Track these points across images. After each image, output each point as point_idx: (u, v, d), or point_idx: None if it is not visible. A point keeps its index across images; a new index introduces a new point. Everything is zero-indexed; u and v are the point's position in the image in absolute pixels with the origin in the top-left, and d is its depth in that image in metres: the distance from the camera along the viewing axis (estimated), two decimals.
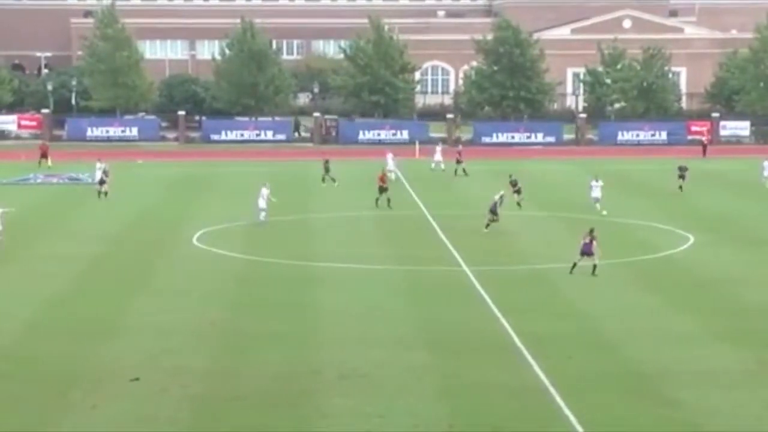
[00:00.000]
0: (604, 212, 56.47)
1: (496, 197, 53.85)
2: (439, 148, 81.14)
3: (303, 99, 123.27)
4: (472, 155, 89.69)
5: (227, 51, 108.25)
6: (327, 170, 71.73)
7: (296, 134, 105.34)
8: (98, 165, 66.96)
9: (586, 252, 42.24)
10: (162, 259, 47.05)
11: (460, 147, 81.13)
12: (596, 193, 58.18)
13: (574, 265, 42.45)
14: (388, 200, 59.58)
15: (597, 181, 58.57)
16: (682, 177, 67.30)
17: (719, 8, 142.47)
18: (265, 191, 55.45)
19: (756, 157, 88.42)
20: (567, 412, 27.10)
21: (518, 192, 60.11)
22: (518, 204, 59.52)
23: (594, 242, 42.18)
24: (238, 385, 29.46)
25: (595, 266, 42.15)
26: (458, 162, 76.67)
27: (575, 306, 38.30)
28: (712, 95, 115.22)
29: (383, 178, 61.15)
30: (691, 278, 42.97)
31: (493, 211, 52.90)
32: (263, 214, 54.97)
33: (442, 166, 78.43)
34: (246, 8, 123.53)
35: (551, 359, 31.45)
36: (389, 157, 74.49)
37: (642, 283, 41.93)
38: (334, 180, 70.75)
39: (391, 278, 43.08)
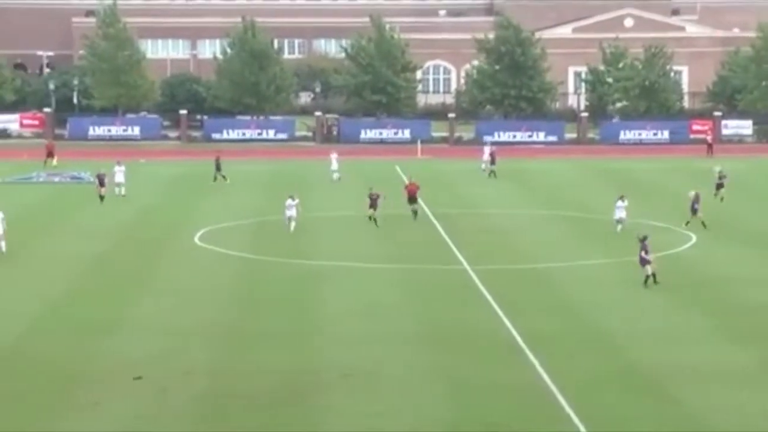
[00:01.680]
0: (619, 227, 51.94)
1: (691, 195, 53.89)
2: (487, 149, 79.70)
3: (305, 98, 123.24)
4: (476, 155, 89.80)
5: (229, 50, 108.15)
6: (218, 168, 71.88)
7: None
8: (117, 168, 66.40)
9: (645, 261, 40.97)
10: (164, 258, 47.07)
11: (494, 148, 79.38)
12: (621, 213, 52.26)
13: (647, 278, 40.81)
14: (415, 213, 56.18)
15: (623, 201, 52.77)
16: (720, 185, 61.75)
17: (721, 7, 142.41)
18: (291, 202, 52.89)
19: (759, 156, 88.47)
20: (570, 411, 27.10)
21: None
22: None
23: (644, 251, 40.87)
24: (241, 384, 29.47)
25: (653, 275, 40.74)
26: (491, 163, 75.95)
27: (578, 305, 38.28)
28: (714, 94, 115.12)
29: (411, 189, 57.25)
30: (693, 277, 42.94)
31: (693, 210, 53.35)
32: (292, 224, 52.41)
33: (483, 166, 77.65)
34: (247, 7, 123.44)
35: (554, 358, 31.45)
36: (333, 157, 73.89)
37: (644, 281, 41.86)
38: (225, 178, 70.82)
39: (392, 277, 43.09)
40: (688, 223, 53.06)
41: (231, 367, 31.09)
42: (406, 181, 59.66)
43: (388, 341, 33.52)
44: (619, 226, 51.62)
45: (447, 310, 37.62)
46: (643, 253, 40.97)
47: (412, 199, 56.83)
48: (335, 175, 72.70)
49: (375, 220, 54.30)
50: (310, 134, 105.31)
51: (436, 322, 35.98)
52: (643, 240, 41.40)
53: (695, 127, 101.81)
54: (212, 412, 27.43)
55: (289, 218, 52.74)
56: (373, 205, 54.84)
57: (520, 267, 44.93)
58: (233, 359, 31.87)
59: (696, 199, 53.44)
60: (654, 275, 40.79)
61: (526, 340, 33.28)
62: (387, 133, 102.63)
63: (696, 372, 30.30)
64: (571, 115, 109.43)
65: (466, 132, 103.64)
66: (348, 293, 40.27)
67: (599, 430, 25.87)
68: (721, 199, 60.75)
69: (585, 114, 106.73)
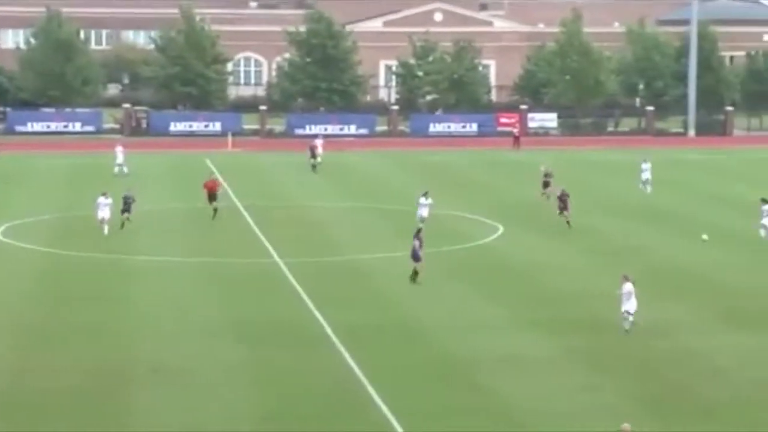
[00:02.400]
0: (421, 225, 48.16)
1: (557, 191, 52.98)
2: (319, 142, 78.89)
3: (113, 90, 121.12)
4: (286, 147, 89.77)
5: (32, 40, 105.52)
6: None
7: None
8: None
9: (415, 257, 40.32)
10: None
11: (315, 142, 77.71)
12: (424, 211, 50.32)
13: (415, 273, 40.03)
14: (215, 211, 53.58)
15: (426, 198, 50.83)
16: (546, 184, 59.83)
17: (527, 3, 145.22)
18: (103, 200, 49.59)
19: (562, 149, 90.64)
20: (380, 401, 27.23)
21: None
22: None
23: (419, 244, 40.14)
24: (46, 381, 28.72)
25: (417, 273, 40.11)
26: (313, 156, 74.92)
27: (388, 296, 38.48)
28: (521, 88, 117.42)
29: (211, 186, 54.79)
30: (501, 267, 43.64)
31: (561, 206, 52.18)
32: (105, 226, 49.20)
33: (320, 159, 76.94)
34: None
35: (365, 350, 31.56)
36: (118, 150, 72.02)
37: (453, 272, 42.38)
38: None
39: (202, 271, 42.64)
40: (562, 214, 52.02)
41: (35, 364, 30.28)
42: (208, 179, 55.89)
43: (198, 336, 33.15)
44: (421, 225, 48.50)
45: (258, 303, 37.40)
46: (417, 245, 40.15)
47: (211, 197, 54.09)
48: (118, 169, 70.46)
49: (122, 223, 50.05)
50: (118, 127, 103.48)
51: (247, 315, 35.73)
52: (417, 233, 40.67)
53: (503, 120, 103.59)
54: (15, 410, 26.66)
55: (102, 220, 49.41)
56: (126, 208, 50.58)
57: (332, 259, 44.97)
58: (38, 356, 31.04)
59: (563, 196, 52.37)
60: (417, 273, 39.87)
61: (337, 332, 33.32)
62: (197, 126, 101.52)
63: (504, 360, 30.78)
64: (383, 108, 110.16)
65: (278, 125, 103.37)
66: (157, 288, 39.68)
67: (410, 419, 26.01)
68: (548, 197, 58.75)
69: (396, 107, 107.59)
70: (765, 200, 48.75)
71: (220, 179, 56.48)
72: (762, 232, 48.17)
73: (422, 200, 50.64)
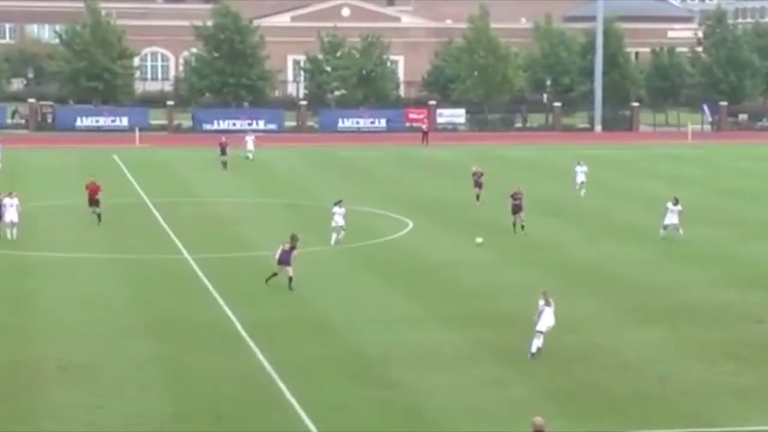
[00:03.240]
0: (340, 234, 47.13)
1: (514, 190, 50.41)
2: (250, 138, 78.24)
3: (17, 84, 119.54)
4: (194, 142, 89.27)
5: None
6: None
7: (12, 120, 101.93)
8: None
9: (284, 261, 38.42)
10: None
11: (224, 139, 75.18)
12: (339, 220, 47.02)
13: (290, 279, 38.30)
14: (99, 216, 51.09)
15: (340, 207, 47.20)
16: (478, 185, 58.53)
17: None
18: (9, 201, 46.86)
19: (471, 144, 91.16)
20: (290, 397, 27.18)
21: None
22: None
23: (294, 251, 38.76)
24: None
25: (290, 279, 38.31)
26: (223, 153, 73.27)
27: (298, 292, 38.35)
28: (429, 83, 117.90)
29: (92, 189, 51.72)
30: (411, 262, 43.74)
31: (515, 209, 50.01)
32: (14, 230, 46.93)
33: (251, 156, 76.39)
34: None
35: (274, 345, 31.48)
36: None
37: (363, 267, 42.43)
38: None
39: (112, 267, 42.22)
40: (519, 226, 50.06)
41: None
42: (89, 182, 52.50)
43: (107, 333, 32.82)
44: (342, 234, 47.11)
45: (167, 300, 37.11)
46: (288, 248, 38.61)
47: (92, 201, 51.36)
48: None
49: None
50: (23, 122, 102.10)
51: (156, 312, 35.44)
52: (293, 238, 38.97)
53: (411, 116, 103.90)
54: None
55: (11, 223, 46.94)
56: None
57: (241, 255, 44.77)
58: None
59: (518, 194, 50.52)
60: (290, 279, 38.38)
61: (247, 329, 33.18)
62: (104, 121, 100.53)
63: (414, 355, 30.85)
64: (291, 104, 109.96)
65: (185, 120, 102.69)
66: (64, 284, 39.20)
67: (321, 416, 25.97)
68: (477, 197, 58.27)
69: (304, 102, 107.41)
70: (677, 200, 48.96)
71: (100, 182, 53.24)
72: (661, 231, 48.66)
73: (336, 209, 47.48)
